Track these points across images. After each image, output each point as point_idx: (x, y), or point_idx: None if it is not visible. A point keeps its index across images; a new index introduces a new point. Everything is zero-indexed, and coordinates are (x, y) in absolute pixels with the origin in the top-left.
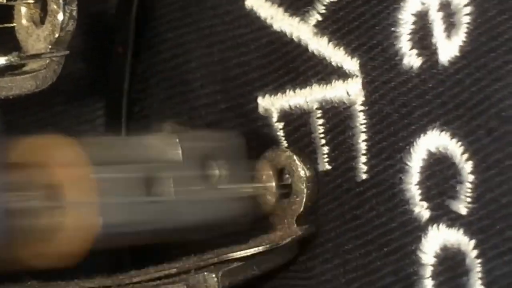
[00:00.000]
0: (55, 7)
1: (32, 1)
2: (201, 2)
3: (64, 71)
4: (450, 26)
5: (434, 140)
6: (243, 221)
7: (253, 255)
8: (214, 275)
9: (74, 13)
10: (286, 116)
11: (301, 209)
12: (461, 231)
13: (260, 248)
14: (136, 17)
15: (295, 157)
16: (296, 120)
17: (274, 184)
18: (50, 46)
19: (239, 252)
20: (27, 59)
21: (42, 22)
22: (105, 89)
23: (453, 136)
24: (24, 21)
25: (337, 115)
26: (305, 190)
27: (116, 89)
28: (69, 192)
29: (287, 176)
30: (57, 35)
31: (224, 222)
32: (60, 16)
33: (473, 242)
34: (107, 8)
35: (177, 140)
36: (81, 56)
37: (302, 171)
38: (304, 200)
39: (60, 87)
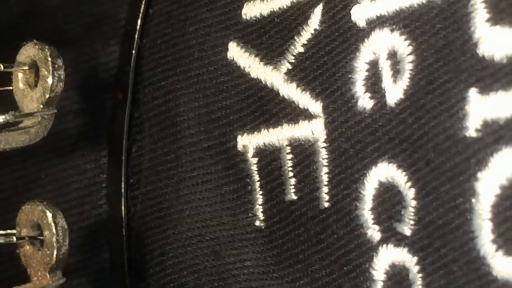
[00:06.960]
0: (45, 72)
1: (26, 68)
2: (190, 55)
3: (71, 117)
4: (396, 72)
5: (383, 171)
6: None
7: None
8: None
9: (62, 77)
10: (261, 152)
11: (53, 261)
12: (406, 249)
13: None
14: (134, 68)
15: (47, 212)
16: (269, 156)
17: (14, 237)
18: (41, 106)
19: None
20: (21, 117)
21: (36, 85)
22: (107, 131)
23: (398, 167)
24: (20, 85)
25: (303, 151)
26: (55, 244)
27: (117, 131)
28: None
29: None
30: (47, 96)
31: None
32: (50, 80)
33: (415, 259)
34: (111, 60)
35: None
36: (87, 103)
37: (53, 225)
38: (55, 253)
39: (68, 131)
